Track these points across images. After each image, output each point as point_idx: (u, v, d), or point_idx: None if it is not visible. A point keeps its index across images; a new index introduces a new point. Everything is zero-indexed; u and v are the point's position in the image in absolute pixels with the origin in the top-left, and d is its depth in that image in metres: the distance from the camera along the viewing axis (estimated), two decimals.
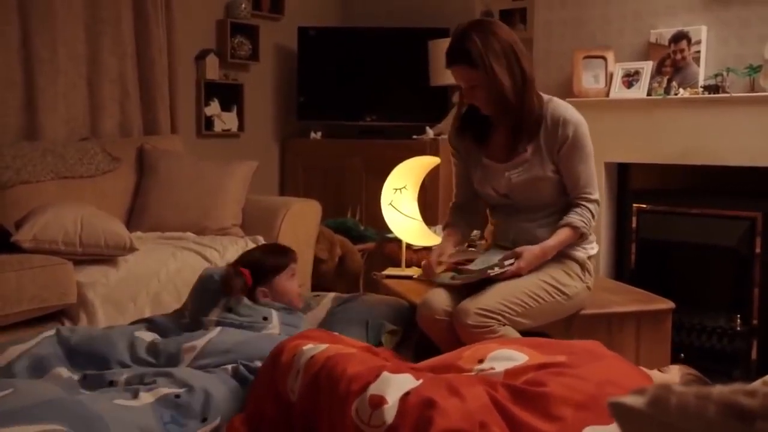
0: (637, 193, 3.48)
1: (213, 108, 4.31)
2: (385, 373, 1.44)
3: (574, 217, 2.10)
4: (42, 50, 3.42)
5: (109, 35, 3.69)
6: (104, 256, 2.77)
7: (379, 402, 1.37)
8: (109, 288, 2.71)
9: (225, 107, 4.37)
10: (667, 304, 2.34)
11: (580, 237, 2.13)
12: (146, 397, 1.58)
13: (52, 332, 1.91)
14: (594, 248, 2.24)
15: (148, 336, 2.00)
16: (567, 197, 2.16)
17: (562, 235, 2.09)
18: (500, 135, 2.19)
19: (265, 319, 2.09)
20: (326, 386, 1.48)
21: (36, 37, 3.40)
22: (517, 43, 2.09)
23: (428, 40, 4.28)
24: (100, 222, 2.80)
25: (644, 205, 3.41)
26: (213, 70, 4.24)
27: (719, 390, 0.62)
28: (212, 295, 2.17)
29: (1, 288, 2.43)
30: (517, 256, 2.06)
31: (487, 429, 1.33)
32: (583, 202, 2.12)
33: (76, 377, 1.77)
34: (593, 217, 2.12)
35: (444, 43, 4.18)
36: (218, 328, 2.01)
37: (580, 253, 2.17)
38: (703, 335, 3.13)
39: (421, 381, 1.43)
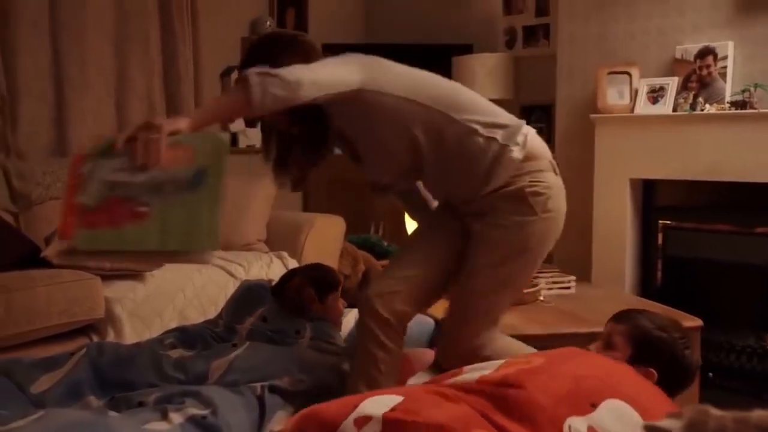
0: (663, 209, 3.45)
1: (238, 124, 4.35)
2: (366, 401, 1.42)
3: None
4: (71, 67, 3.48)
5: (137, 52, 3.75)
6: (131, 272, 2.80)
7: (364, 421, 1.35)
8: (136, 303, 2.73)
9: (249, 123, 4.40)
10: (695, 322, 2.32)
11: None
12: (175, 418, 1.59)
13: (81, 353, 1.92)
14: (518, 145, 1.79)
15: (175, 353, 2.02)
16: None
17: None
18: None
19: (297, 332, 2.12)
20: None
21: (66, 54, 3.46)
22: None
23: (452, 56, 4.29)
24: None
25: (670, 222, 3.39)
26: None
27: (758, 414, 0.62)
28: (249, 306, 2.22)
29: (31, 302, 2.46)
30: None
31: None
32: None
33: (103, 402, 1.79)
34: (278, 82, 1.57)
35: (468, 60, 4.23)
36: (246, 344, 2.02)
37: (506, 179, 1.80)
38: (731, 354, 3.08)
39: (403, 398, 1.42)
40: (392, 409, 1.38)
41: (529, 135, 1.83)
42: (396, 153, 1.82)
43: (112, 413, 1.66)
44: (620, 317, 1.76)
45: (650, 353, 1.63)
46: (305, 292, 2.22)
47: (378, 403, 1.40)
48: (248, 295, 2.26)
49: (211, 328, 2.22)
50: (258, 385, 1.83)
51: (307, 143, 1.89)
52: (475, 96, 1.90)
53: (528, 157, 1.79)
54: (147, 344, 2.11)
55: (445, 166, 1.81)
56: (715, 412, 0.64)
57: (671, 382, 1.61)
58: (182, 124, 1.50)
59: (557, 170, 1.88)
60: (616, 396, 1.39)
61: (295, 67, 1.64)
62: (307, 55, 1.81)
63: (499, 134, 1.78)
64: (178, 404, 1.67)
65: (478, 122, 1.79)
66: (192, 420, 1.60)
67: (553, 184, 1.83)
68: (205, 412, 1.64)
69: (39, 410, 1.58)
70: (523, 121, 1.87)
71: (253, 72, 1.56)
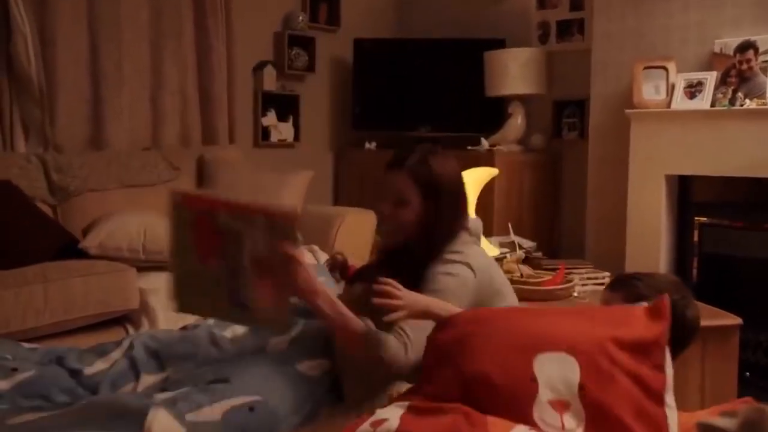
0: (699, 206, 3.40)
1: (270, 118, 4.37)
2: (379, 410, 1.43)
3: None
4: (108, 63, 3.53)
5: (171, 48, 3.79)
6: (166, 263, 2.83)
7: (380, 422, 1.37)
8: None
9: (281, 117, 4.42)
10: (735, 320, 2.28)
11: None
12: (220, 407, 1.56)
13: (133, 336, 1.92)
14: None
15: (228, 333, 1.99)
16: None
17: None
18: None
19: None
20: None
21: (102, 50, 3.52)
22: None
23: (484, 51, 4.26)
24: (162, 230, 2.86)
25: (706, 219, 3.33)
26: (270, 81, 4.30)
27: None
28: None
29: (68, 292, 2.51)
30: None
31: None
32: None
33: (159, 377, 1.77)
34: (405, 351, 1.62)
35: (501, 55, 4.20)
36: (301, 323, 1.96)
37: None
38: None
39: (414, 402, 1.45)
40: (408, 408, 1.41)
41: None
42: None
43: (159, 396, 1.64)
44: (615, 284, 1.72)
45: None
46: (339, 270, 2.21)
47: (391, 407, 1.43)
48: None
49: None
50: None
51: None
52: None
53: None
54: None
55: None
56: None
57: (673, 344, 1.57)
58: (316, 296, 1.57)
59: None
60: (546, 350, 1.38)
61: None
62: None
63: None
64: (224, 392, 1.64)
65: None
66: (237, 410, 1.58)
67: None
68: (252, 400, 1.61)
69: (81, 401, 1.58)
70: None
71: (404, 336, 1.60)
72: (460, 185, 1.82)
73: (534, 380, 1.35)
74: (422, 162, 1.75)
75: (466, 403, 1.39)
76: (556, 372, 1.35)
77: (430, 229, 1.75)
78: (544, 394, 1.34)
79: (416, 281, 1.70)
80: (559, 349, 1.38)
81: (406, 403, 1.43)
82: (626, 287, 1.68)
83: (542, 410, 1.33)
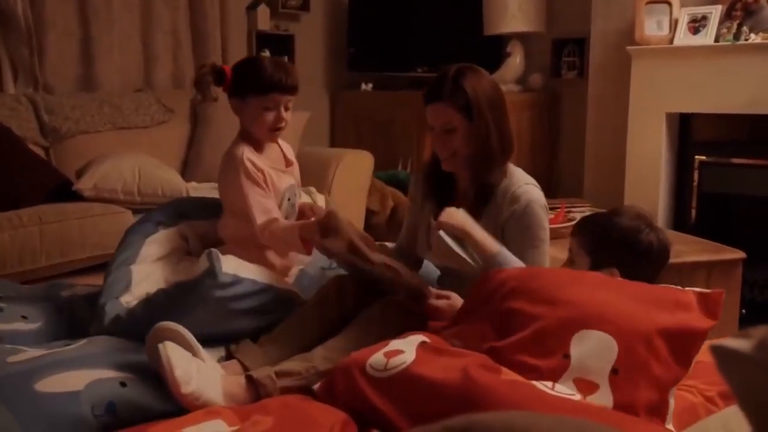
0: (700, 144, 3.37)
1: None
2: (394, 340, 1.43)
3: None
4: (97, 1, 3.43)
5: None
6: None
7: (395, 353, 1.37)
8: None
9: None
10: (738, 254, 2.30)
11: None
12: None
13: None
14: None
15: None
16: None
17: None
18: (459, 202, 1.84)
19: None
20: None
21: None
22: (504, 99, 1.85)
23: None
24: (157, 172, 2.84)
25: (706, 157, 3.30)
26: (264, 20, 4.20)
27: None
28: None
29: (64, 235, 2.49)
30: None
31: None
32: None
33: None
34: None
35: None
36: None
37: None
38: (766, 291, 3.04)
39: (431, 339, 1.45)
40: (423, 342, 1.41)
41: None
42: None
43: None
44: (574, 229, 1.70)
45: (604, 255, 1.58)
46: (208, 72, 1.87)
47: (407, 340, 1.42)
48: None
49: None
50: None
51: None
52: None
53: None
54: None
55: None
56: None
57: (639, 271, 1.55)
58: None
59: None
60: (584, 327, 1.34)
61: None
62: None
63: None
64: None
65: None
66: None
67: None
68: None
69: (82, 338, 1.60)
70: None
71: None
72: (498, 98, 1.83)
73: (567, 357, 1.32)
74: (457, 87, 1.76)
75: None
76: (593, 351, 1.31)
77: (482, 148, 1.79)
78: (573, 373, 1.31)
79: (474, 207, 1.79)
80: (603, 329, 1.33)
81: (421, 338, 1.43)
82: (578, 230, 1.67)
83: (565, 387, 1.29)
